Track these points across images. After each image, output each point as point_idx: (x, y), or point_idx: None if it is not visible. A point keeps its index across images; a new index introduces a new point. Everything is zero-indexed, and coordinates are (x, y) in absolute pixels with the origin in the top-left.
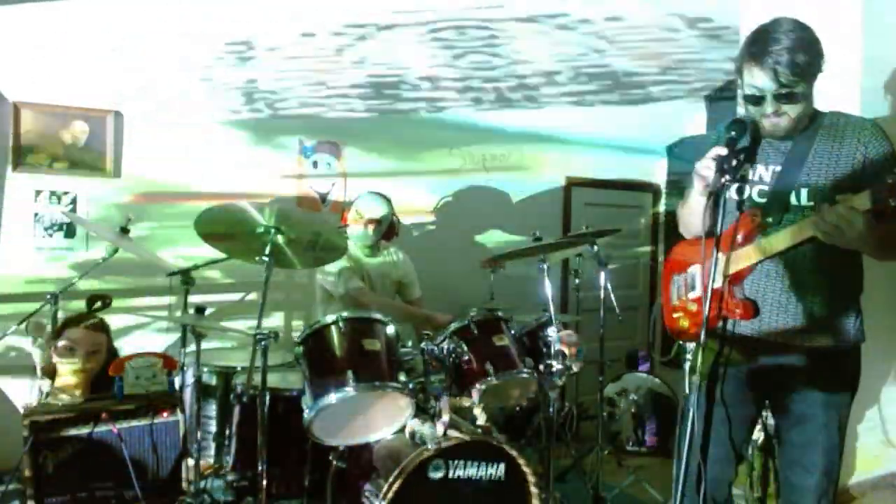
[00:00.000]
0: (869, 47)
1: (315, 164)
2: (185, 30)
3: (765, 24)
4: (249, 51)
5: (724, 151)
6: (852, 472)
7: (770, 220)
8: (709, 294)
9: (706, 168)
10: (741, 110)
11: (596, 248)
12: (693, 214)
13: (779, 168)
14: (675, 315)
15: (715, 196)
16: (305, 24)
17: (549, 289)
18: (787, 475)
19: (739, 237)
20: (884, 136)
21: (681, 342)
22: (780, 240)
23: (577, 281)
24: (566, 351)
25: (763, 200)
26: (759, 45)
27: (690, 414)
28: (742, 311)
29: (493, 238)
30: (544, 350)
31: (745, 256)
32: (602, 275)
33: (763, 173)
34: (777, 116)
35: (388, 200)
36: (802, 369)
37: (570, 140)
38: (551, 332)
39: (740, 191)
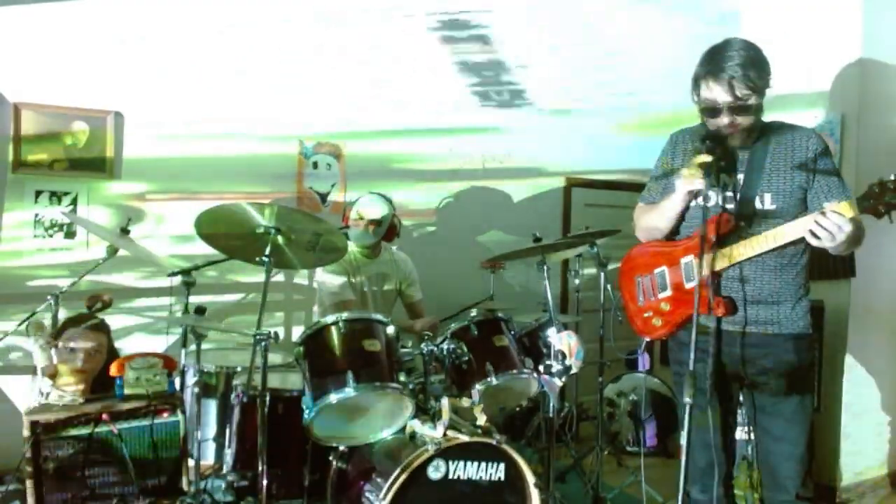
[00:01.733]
0: (868, 48)
1: (315, 165)
2: (184, 30)
3: (718, 44)
4: (249, 51)
5: (709, 158)
6: (852, 472)
7: (742, 223)
8: (697, 293)
9: (693, 175)
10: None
11: (596, 248)
12: (665, 219)
13: (741, 176)
14: (645, 315)
15: (703, 200)
16: (306, 23)
17: (548, 289)
18: (767, 453)
19: (714, 239)
20: (824, 144)
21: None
22: (765, 241)
23: (577, 281)
24: (566, 351)
25: (731, 206)
26: (715, 61)
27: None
28: (723, 308)
29: (493, 238)
30: (544, 350)
31: (726, 257)
32: (602, 275)
33: (726, 180)
34: (731, 127)
35: (389, 201)
36: (769, 357)
37: (570, 140)
38: (551, 332)
39: (706, 198)
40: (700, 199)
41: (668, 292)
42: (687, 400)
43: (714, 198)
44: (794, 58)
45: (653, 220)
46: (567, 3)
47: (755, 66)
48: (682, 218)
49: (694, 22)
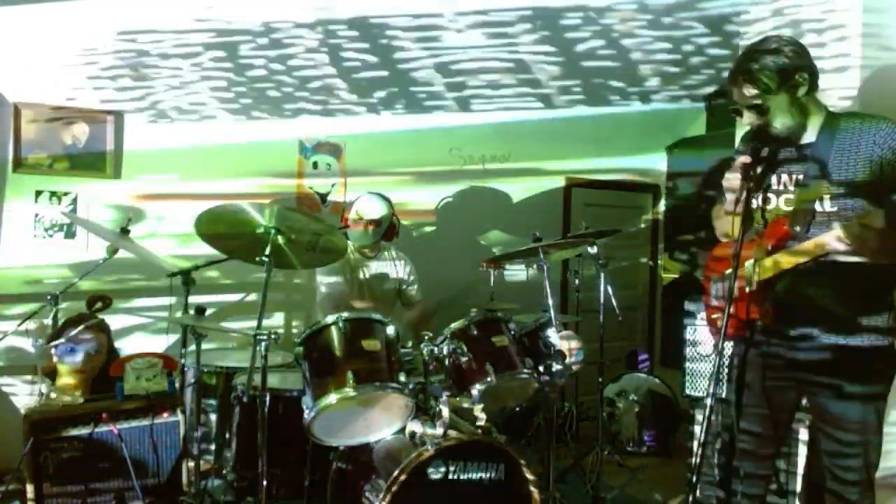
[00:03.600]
0: (868, 48)
1: (315, 165)
2: (184, 30)
3: (754, 42)
4: (250, 51)
5: (748, 160)
6: None
7: (797, 228)
8: (730, 301)
9: (734, 178)
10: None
11: (596, 248)
12: (722, 223)
13: (801, 176)
14: (713, 316)
15: (744, 204)
16: (305, 22)
17: (548, 289)
18: (829, 469)
19: (769, 245)
20: None
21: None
22: (802, 252)
23: (577, 282)
24: (566, 351)
25: (790, 209)
26: (737, 63)
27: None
28: (767, 316)
29: (493, 238)
30: (544, 350)
31: (779, 263)
32: (602, 275)
33: (788, 182)
34: (762, 126)
35: (388, 201)
36: (836, 367)
37: (571, 140)
38: (551, 332)
39: (766, 200)
40: (759, 201)
41: (735, 294)
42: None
43: (773, 199)
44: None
45: (716, 221)
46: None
47: (768, 66)
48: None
49: (694, 22)
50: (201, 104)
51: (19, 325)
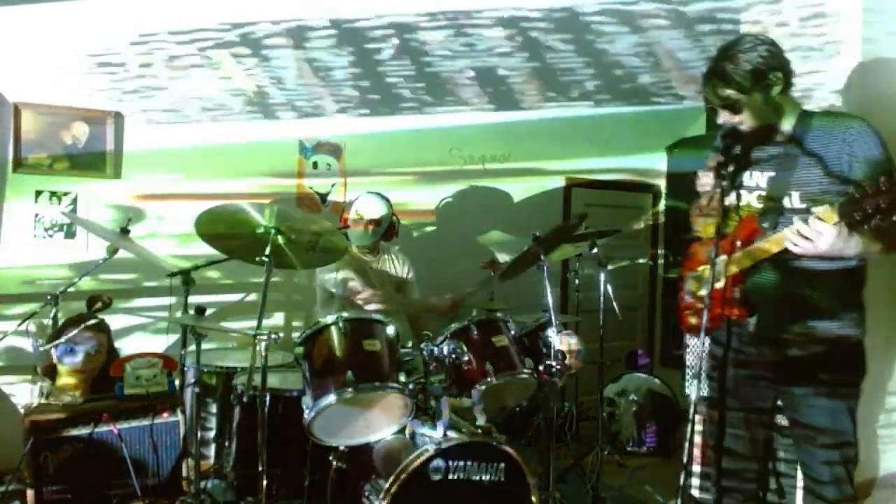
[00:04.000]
0: (868, 47)
1: (315, 165)
2: (184, 30)
3: (728, 41)
4: (250, 51)
5: (720, 159)
6: (860, 469)
7: (766, 224)
8: (710, 296)
9: (706, 177)
10: None
11: (596, 248)
12: (699, 220)
13: (773, 173)
14: (685, 311)
15: (719, 203)
16: (305, 22)
17: (548, 289)
18: (805, 467)
19: (738, 242)
20: (871, 133)
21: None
22: (764, 248)
23: (576, 282)
24: (566, 351)
25: (761, 206)
26: (711, 61)
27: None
28: (738, 311)
29: (493, 238)
30: (544, 351)
31: (743, 260)
32: (602, 275)
33: (759, 180)
34: (734, 124)
35: (388, 201)
36: (806, 361)
37: (570, 140)
38: (551, 332)
39: (738, 197)
40: (733, 199)
41: (704, 291)
42: (692, 397)
43: (745, 196)
44: (794, 58)
45: (693, 218)
46: (567, 2)
47: (741, 65)
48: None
49: (693, 22)
50: (202, 104)
51: (19, 325)
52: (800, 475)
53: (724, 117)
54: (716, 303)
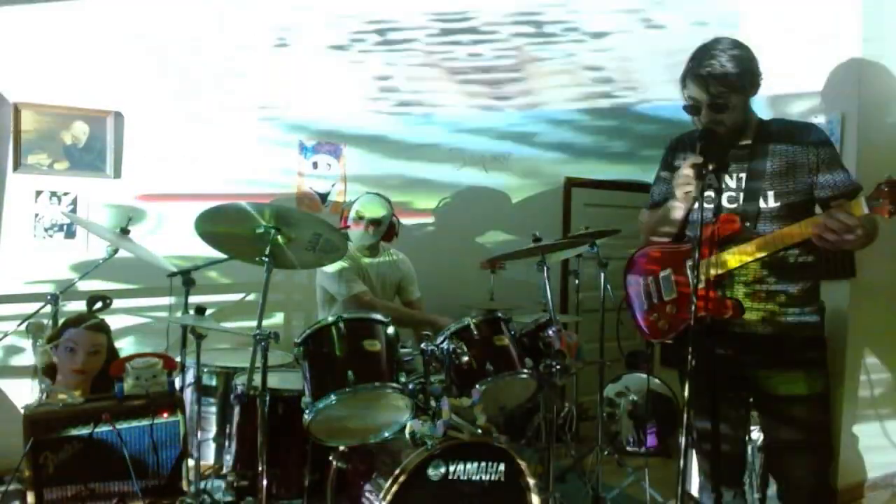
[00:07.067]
0: (868, 47)
1: (315, 165)
2: (184, 29)
3: (705, 42)
4: (249, 51)
5: (699, 160)
6: (852, 472)
7: (747, 224)
8: (695, 297)
9: (686, 177)
10: None
11: (596, 248)
12: (668, 223)
13: (743, 175)
14: (651, 318)
15: (700, 203)
16: (305, 23)
17: (548, 289)
18: (776, 462)
19: (716, 240)
20: (826, 135)
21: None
22: (771, 243)
23: (576, 282)
24: (566, 351)
25: (734, 206)
26: (696, 60)
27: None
28: (732, 310)
29: (493, 238)
30: (544, 351)
31: (732, 258)
32: (602, 275)
33: (728, 181)
34: (714, 125)
35: (388, 201)
36: (778, 353)
37: (571, 140)
38: (551, 332)
39: (708, 199)
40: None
41: (674, 295)
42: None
43: (716, 198)
44: (794, 58)
45: (657, 224)
46: (567, 2)
47: (736, 64)
48: (686, 220)
49: (693, 22)
50: (201, 104)
51: (19, 325)
52: None
53: (707, 117)
54: (699, 304)
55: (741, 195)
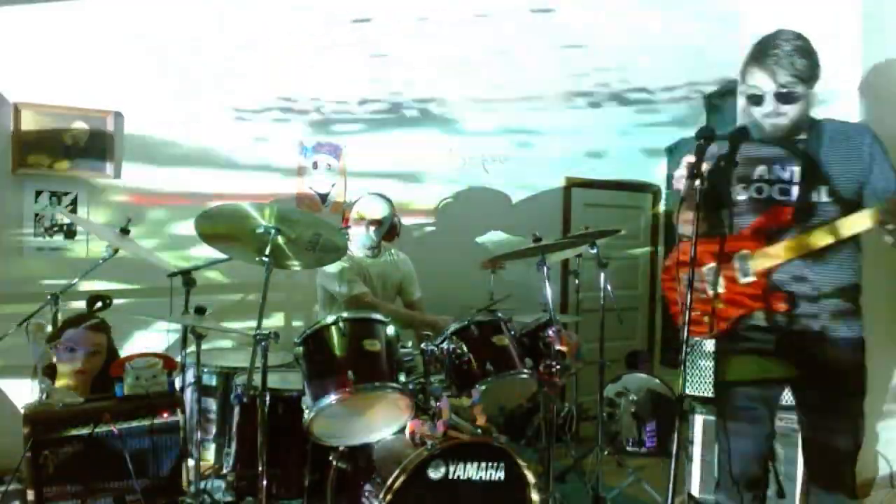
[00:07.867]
0: (868, 52)
1: (315, 165)
2: (184, 29)
3: (768, 34)
4: (248, 52)
5: (692, 159)
6: (865, 469)
7: (800, 217)
8: (714, 294)
9: (680, 177)
10: (740, 113)
11: (596, 248)
12: (683, 221)
13: (797, 168)
14: (694, 313)
15: (697, 200)
16: (304, 23)
17: (549, 289)
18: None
19: (766, 231)
20: (876, 135)
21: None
22: (829, 233)
23: (576, 282)
24: (566, 351)
25: (785, 198)
26: (760, 49)
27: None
28: (785, 303)
29: (493, 238)
30: (544, 350)
31: (784, 251)
32: (602, 275)
33: (781, 173)
34: (776, 116)
35: (389, 201)
36: (822, 358)
37: (570, 140)
38: (551, 332)
39: (759, 190)
40: (753, 192)
41: (720, 289)
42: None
43: (767, 190)
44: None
45: (681, 219)
46: (566, 3)
47: (801, 54)
48: (730, 212)
49: (693, 22)
50: (201, 104)
51: (19, 325)
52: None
53: (770, 106)
54: (743, 298)
55: (794, 189)
